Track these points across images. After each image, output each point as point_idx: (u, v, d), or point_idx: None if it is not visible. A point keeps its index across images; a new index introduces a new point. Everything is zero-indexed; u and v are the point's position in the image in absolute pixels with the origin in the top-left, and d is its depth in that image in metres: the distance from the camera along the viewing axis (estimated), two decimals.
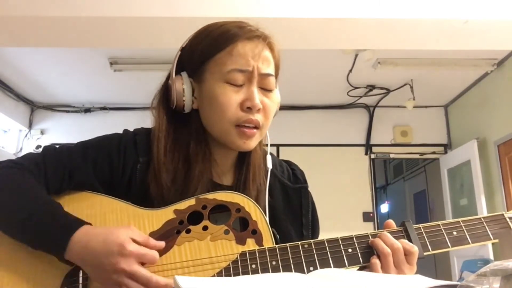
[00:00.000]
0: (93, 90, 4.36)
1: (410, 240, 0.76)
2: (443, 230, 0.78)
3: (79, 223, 0.73)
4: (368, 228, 4.38)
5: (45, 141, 4.52)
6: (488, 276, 0.45)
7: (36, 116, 4.68)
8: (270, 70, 0.84)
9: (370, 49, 3.34)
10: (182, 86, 0.84)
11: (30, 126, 4.63)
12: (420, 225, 0.79)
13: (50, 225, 0.72)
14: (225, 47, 0.81)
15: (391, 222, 0.82)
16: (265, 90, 0.84)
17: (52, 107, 4.67)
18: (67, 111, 4.67)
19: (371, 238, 0.77)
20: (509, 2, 2.53)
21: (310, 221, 0.93)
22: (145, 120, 0.92)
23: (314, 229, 0.94)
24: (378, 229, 4.23)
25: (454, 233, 0.78)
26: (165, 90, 0.88)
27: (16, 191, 0.76)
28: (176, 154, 0.84)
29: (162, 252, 0.74)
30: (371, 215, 4.43)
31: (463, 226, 0.79)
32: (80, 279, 0.73)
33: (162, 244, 0.74)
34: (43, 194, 0.77)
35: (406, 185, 6.24)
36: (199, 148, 0.85)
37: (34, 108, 4.65)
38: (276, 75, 0.87)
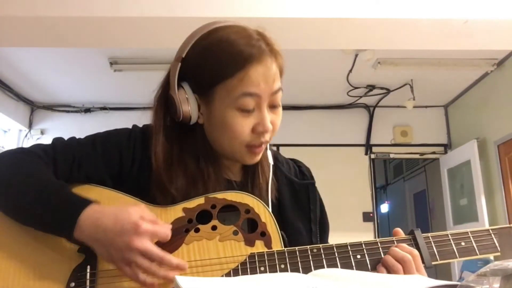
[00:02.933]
0: (93, 90, 4.36)
1: (418, 249, 0.77)
2: (451, 240, 0.78)
3: (87, 201, 0.73)
4: (368, 228, 4.38)
5: (45, 141, 4.49)
6: (488, 276, 0.45)
7: (36, 116, 4.67)
8: (279, 83, 0.83)
9: (370, 49, 3.34)
10: (186, 99, 0.82)
11: (30, 126, 4.62)
12: (429, 234, 0.79)
13: (58, 205, 0.72)
14: (235, 73, 0.78)
15: (399, 230, 0.82)
16: (273, 107, 0.84)
17: (52, 107, 4.67)
18: (67, 111, 4.67)
19: (380, 246, 0.77)
20: (509, 2, 2.53)
21: (318, 216, 0.94)
22: (146, 120, 0.92)
23: (323, 224, 0.94)
24: (378, 230, 4.19)
25: (463, 243, 0.78)
26: (165, 101, 0.86)
27: (23, 174, 0.76)
28: (183, 164, 0.84)
29: (170, 250, 0.74)
30: (371, 215, 4.42)
31: (471, 237, 0.79)
32: (88, 274, 0.73)
33: (169, 225, 0.74)
34: (50, 175, 0.77)
35: (406, 185, 6.24)
36: (209, 162, 0.85)
37: (34, 108, 4.65)
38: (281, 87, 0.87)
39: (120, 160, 0.83)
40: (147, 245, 0.68)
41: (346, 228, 4.08)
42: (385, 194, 7.19)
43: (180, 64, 0.84)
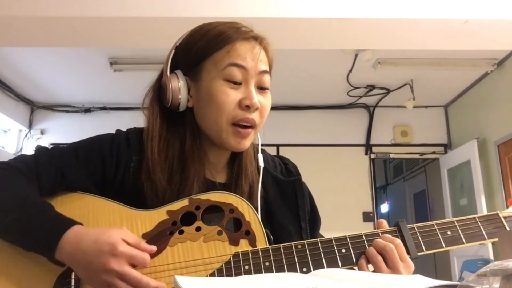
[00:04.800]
0: (93, 90, 4.36)
1: (404, 240, 0.76)
2: (437, 230, 0.78)
3: (70, 222, 0.72)
4: (368, 228, 4.37)
5: (45, 141, 4.52)
6: (488, 276, 0.45)
7: (36, 116, 4.67)
8: (267, 68, 0.86)
9: (370, 49, 3.34)
10: (178, 84, 0.84)
11: (30, 126, 4.63)
12: (414, 225, 0.79)
13: (40, 225, 0.71)
14: (223, 46, 0.82)
15: (383, 221, 0.82)
16: (261, 89, 0.85)
17: (52, 107, 4.67)
18: (67, 111, 4.67)
19: (364, 238, 0.77)
20: (509, 2, 2.53)
21: (309, 211, 0.93)
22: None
23: (314, 219, 0.94)
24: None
25: (449, 233, 0.78)
26: (158, 88, 0.88)
27: (5, 191, 0.75)
28: (170, 152, 0.84)
29: (154, 253, 0.74)
30: (371, 215, 4.43)
31: (457, 226, 0.78)
32: (73, 281, 0.73)
33: (153, 247, 0.73)
34: (33, 193, 0.76)
35: (406, 185, 6.24)
36: (194, 147, 0.85)
37: (34, 108, 4.65)
38: (270, 74, 0.88)
39: (103, 167, 0.82)
40: (124, 268, 0.67)
41: (346, 228, 4.07)
42: (385, 194, 7.20)
43: (174, 51, 0.87)
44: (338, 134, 4.63)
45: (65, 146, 0.85)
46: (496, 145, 3.76)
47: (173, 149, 0.84)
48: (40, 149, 0.84)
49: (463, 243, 0.77)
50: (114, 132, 0.89)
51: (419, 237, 0.77)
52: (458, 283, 0.48)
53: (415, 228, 0.78)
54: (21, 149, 4.57)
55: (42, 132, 4.63)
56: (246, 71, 0.82)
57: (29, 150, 4.38)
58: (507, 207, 0.84)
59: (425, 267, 4.67)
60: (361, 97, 4.44)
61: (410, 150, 4.64)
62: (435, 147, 4.65)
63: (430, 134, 4.65)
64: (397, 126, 4.65)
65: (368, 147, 4.61)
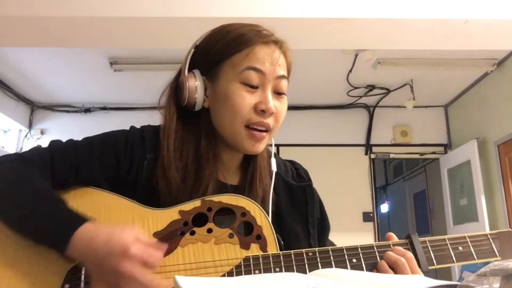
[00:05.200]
0: (93, 90, 4.36)
1: (415, 253, 0.76)
2: (448, 245, 0.78)
3: (82, 219, 0.71)
4: (368, 228, 4.38)
5: (45, 141, 4.51)
6: (488, 276, 0.45)
7: (36, 116, 4.67)
8: (285, 72, 0.86)
9: (370, 49, 3.34)
10: (195, 83, 0.84)
11: (30, 126, 4.62)
12: (426, 239, 0.79)
13: (52, 220, 0.71)
14: (242, 49, 0.82)
15: (392, 235, 0.81)
16: (278, 94, 0.85)
17: (52, 107, 4.67)
18: (67, 111, 4.67)
19: (376, 249, 0.77)
20: (509, 2, 2.53)
21: (319, 218, 0.93)
22: (146, 120, 0.92)
23: (323, 226, 0.94)
24: (378, 230, 4.19)
25: (460, 248, 0.78)
26: (176, 87, 0.88)
27: (18, 184, 0.75)
28: (184, 152, 0.84)
29: (165, 252, 0.74)
30: (371, 215, 4.43)
31: (469, 242, 0.78)
32: (83, 276, 0.73)
33: (165, 246, 0.72)
34: (46, 187, 0.76)
35: (406, 185, 6.24)
36: (209, 148, 0.85)
37: (34, 108, 4.65)
38: (287, 79, 0.88)
39: (117, 163, 0.82)
40: (134, 270, 0.66)
41: (346, 228, 4.08)
42: (385, 194, 7.19)
43: (193, 50, 0.88)
44: (338, 134, 4.62)
45: (79, 140, 0.85)
46: (496, 145, 3.75)
47: (187, 149, 0.84)
48: (54, 142, 0.84)
49: (474, 259, 0.77)
50: (124, 129, 0.89)
51: (430, 251, 0.77)
52: (458, 283, 0.48)
53: (427, 241, 0.78)
54: (21, 149, 4.56)
55: (42, 132, 4.63)
56: (264, 75, 0.82)
57: None
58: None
59: None
60: (361, 97, 4.43)
61: (410, 150, 4.64)
62: (435, 147, 4.65)
63: (430, 134, 4.64)
64: (397, 126, 4.65)
65: (368, 147, 4.61)
